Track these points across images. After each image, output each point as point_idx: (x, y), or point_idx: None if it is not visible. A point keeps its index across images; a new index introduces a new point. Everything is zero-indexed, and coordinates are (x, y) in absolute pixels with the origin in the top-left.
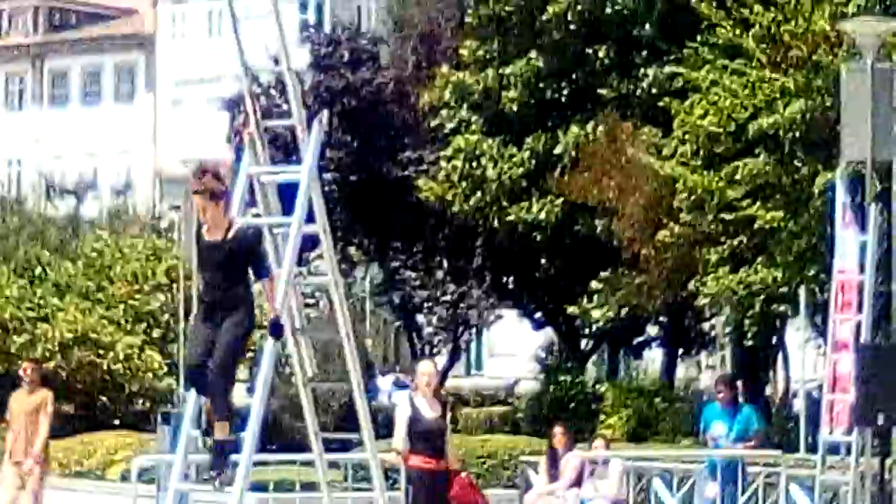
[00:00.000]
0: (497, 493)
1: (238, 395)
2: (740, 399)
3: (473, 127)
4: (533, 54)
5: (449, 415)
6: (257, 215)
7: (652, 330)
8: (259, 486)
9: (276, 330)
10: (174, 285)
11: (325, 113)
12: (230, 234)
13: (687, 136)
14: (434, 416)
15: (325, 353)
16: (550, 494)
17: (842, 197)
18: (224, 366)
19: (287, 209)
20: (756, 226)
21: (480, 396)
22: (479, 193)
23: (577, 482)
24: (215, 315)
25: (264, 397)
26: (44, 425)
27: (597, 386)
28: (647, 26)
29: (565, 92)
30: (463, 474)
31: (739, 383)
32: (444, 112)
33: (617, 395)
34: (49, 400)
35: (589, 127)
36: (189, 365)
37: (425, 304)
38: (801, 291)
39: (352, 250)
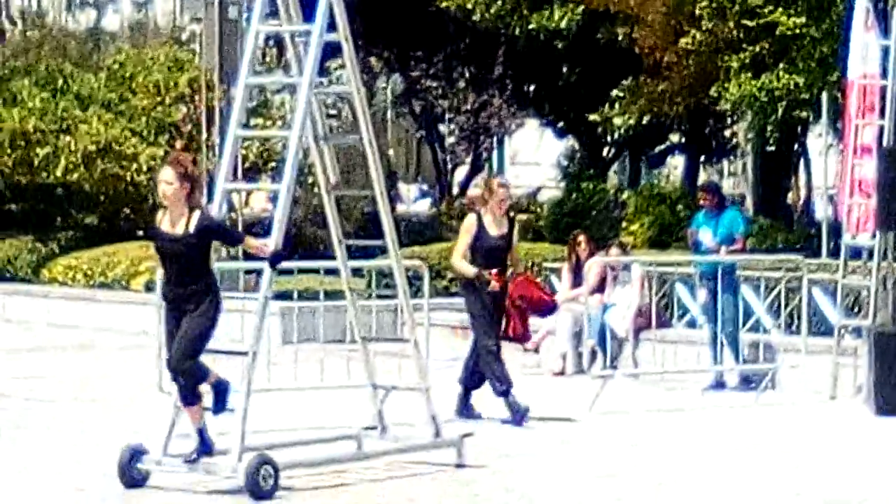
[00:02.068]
0: None
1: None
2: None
3: None
4: None
5: (516, 233)
6: (279, 24)
7: (674, 137)
8: (283, 295)
9: (277, 259)
10: (196, 96)
11: None
12: (192, 227)
13: None
14: (499, 234)
15: (348, 161)
16: (573, 300)
17: (863, 1)
18: (186, 356)
19: (308, 17)
20: (778, 32)
21: None
22: (499, 1)
23: (600, 288)
24: (181, 311)
25: (264, 314)
26: None
27: (618, 193)
28: None
29: None
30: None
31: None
32: None
33: (639, 202)
34: None
35: None
36: (174, 380)
37: (447, 114)
38: (823, 97)
39: (373, 60)
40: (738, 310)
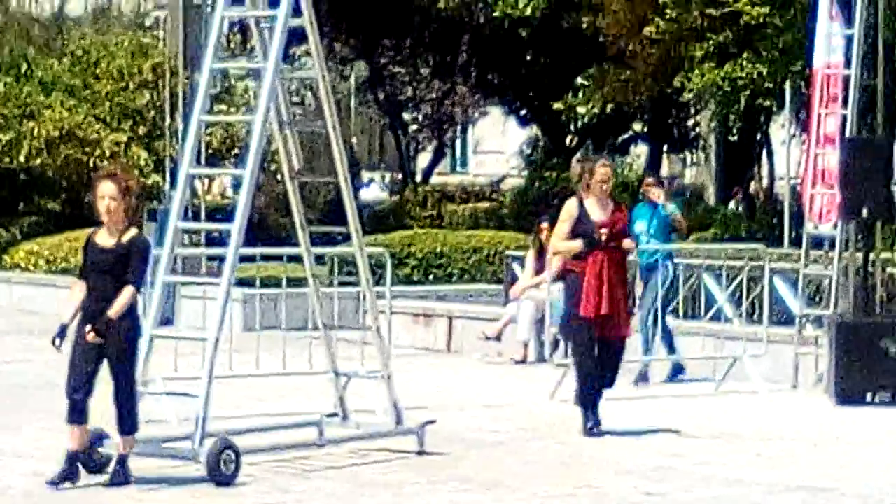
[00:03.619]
0: (482, 288)
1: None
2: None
3: None
4: None
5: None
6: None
7: (637, 126)
8: (245, 281)
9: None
10: (160, 82)
11: None
12: (125, 239)
13: None
14: (602, 220)
15: (312, 147)
16: (535, 287)
17: None
18: (130, 400)
19: (273, 3)
20: (742, 21)
21: (465, 193)
22: None
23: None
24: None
25: (226, 300)
26: None
27: None
28: None
29: None
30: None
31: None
32: None
33: None
34: None
35: None
36: (71, 397)
37: (411, 102)
38: (787, 87)
39: (338, 46)
40: (657, 299)
